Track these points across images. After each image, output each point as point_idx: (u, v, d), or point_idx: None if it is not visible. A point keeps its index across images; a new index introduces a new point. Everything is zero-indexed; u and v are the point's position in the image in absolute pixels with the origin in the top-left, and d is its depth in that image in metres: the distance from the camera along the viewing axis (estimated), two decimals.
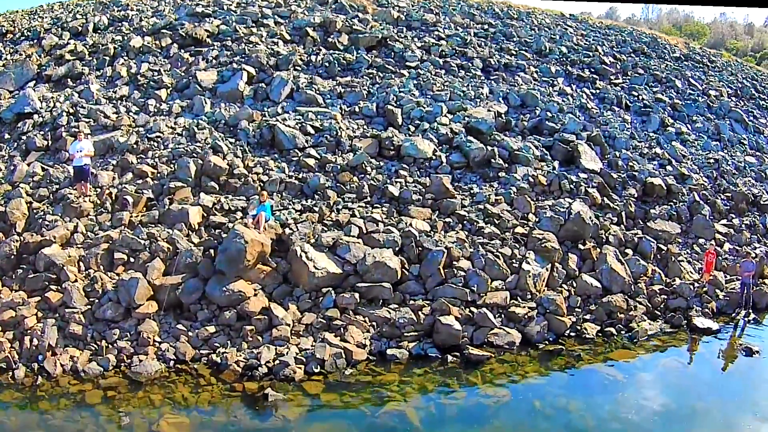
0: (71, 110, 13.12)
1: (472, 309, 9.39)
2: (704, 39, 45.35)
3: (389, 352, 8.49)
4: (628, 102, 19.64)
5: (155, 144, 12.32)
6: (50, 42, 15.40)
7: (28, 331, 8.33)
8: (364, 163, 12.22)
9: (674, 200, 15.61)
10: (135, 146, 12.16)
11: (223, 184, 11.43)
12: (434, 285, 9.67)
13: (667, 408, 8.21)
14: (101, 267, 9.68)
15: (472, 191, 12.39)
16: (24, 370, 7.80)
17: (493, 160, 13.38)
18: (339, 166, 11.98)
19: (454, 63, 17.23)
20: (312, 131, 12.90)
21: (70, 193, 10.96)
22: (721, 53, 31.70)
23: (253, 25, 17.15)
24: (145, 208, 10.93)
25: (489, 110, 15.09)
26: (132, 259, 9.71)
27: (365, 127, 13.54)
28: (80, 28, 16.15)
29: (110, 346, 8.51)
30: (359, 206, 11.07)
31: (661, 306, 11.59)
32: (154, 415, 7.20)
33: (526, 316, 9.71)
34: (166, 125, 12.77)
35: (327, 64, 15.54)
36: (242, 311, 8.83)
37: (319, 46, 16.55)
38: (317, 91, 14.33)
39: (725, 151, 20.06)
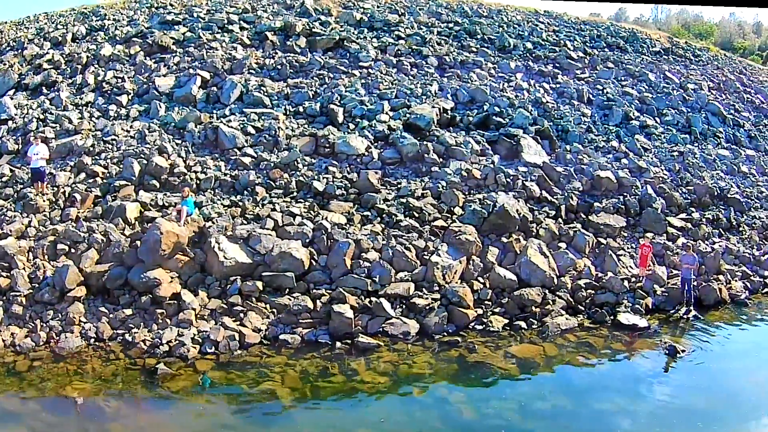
0: (41, 116, 14.47)
1: (372, 299, 9.95)
2: (712, 38, 44.31)
3: (282, 337, 9.17)
4: (590, 96, 19.57)
5: (110, 146, 13.46)
6: (31, 52, 16.88)
7: None
8: (297, 160, 12.97)
9: (626, 193, 15.49)
10: (91, 148, 13.33)
11: (164, 182, 12.43)
12: (339, 275, 10.31)
13: (553, 407, 7.99)
14: (46, 256, 10.84)
15: (400, 185, 12.93)
16: None
17: (426, 156, 13.84)
18: (272, 164, 12.78)
19: (408, 62, 17.69)
20: (253, 131, 13.75)
21: (30, 192, 12.25)
22: (708, 47, 30.70)
23: (219, 31, 18.15)
24: (92, 205, 12.09)
25: (433, 107, 15.51)
26: (73, 250, 10.84)
27: (306, 126, 14.28)
28: (60, 38, 17.57)
29: (44, 324, 9.63)
30: (283, 201, 11.84)
31: (587, 301, 11.38)
32: (66, 381, 8.25)
33: (427, 307, 9.99)
34: (122, 128, 13.92)
35: (279, 67, 16.36)
36: (156, 296, 9.80)
37: (277, 49, 17.38)
38: (265, 93, 15.17)
39: (695, 144, 19.75)
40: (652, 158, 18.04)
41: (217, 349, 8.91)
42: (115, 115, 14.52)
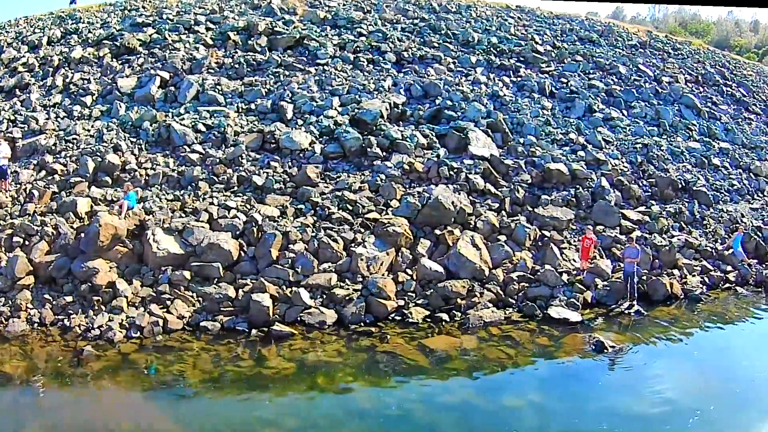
0: (12, 117, 15.43)
1: (293, 288, 10.52)
2: (708, 37, 43.73)
3: (203, 324, 9.83)
4: (553, 89, 19.65)
5: (70, 145, 14.31)
6: (8, 55, 17.85)
7: None
8: (242, 156, 13.61)
9: (578, 186, 15.56)
10: (53, 147, 14.20)
11: (116, 178, 13.23)
12: (265, 266, 10.94)
13: (459, 400, 7.96)
14: (3, 248, 11.78)
15: (339, 179, 13.45)
16: None
17: (369, 150, 14.30)
18: (217, 160, 13.45)
19: (365, 58, 18.10)
20: (203, 129, 14.43)
21: None
22: (689, 41, 30.25)
23: (185, 32, 18.84)
24: (49, 200, 12.96)
25: (383, 101, 15.93)
26: (27, 242, 11.73)
27: (255, 123, 14.89)
28: (36, 42, 18.50)
29: None
30: (223, 195, 12.51)
31: (519, 294, 11.38)
32: (6, 360, 9.06)
33: (346, 298, 10.37)
34: (83, 128, 14.75)
35: (237, 66, 16.97)
36: (94, 284, 10.59)
37: (238, 48, 17.98)
38: (220, 92, 15.82)
39: (663, 137, 19.67)
40: (613, 151, 18.07)
41: (141, 333, 9.67)
42: (79, 115, 15.36)
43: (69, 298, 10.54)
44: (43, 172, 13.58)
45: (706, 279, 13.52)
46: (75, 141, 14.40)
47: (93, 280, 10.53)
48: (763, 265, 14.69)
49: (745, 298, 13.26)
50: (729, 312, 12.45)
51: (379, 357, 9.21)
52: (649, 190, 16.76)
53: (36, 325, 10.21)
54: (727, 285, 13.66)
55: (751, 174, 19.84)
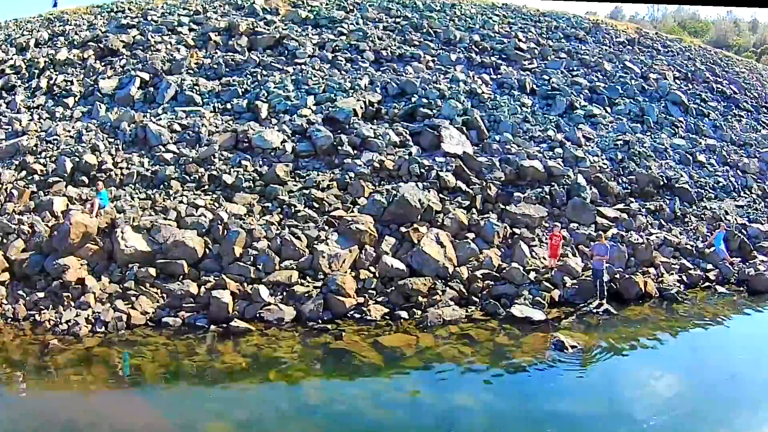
0: None
1: (255, 285, 10.78)
2: (707, 36, 43.35)
3: (165, 319, 10.14)
4: (534, 86, 19.66)
5: (51, 146, 14.74)
6: None
7: None
8: (214, 155, 13.92)
9: (554, 183, 15.57)
10: (34, 148, 14.64)
11: (92, 178, 13.63)
12: (228, 263, 11.25)
13: (408, 398, 7.99)
14: None
15: (308, 177, 13.69)
16: None
17: (341, 148, 14.51)
18: (190, 159, 13.78)
19: (343, 57, 18.29)
20: (179, 129, 14.76)
21: None
22: (681, 38, 29.95)
23: (168, 33, 19.17)
24: (28, 200, 13.40)
25: (358, 100, 16.12)
26: (5, 240, 12.19)
27: (230, 122, 15.19)
28: (24, 44, 18.97)
29: None
30: (193, 194, 12.84)
31: (483, 292, 11.29)
32: None
33: (305, 295, 10.47)
34: (64, 129, 15.17)
35: (216, 66, 17.28)
36: (65, 281, 10.99)
37: (218, 49, 18.28)
38: (197, 92, 16.14)
39: (647, 134, 19.58)
40: (593, 148, 18.05)
41: (106, 328, 10.04)
42: (61, 116, 15.79)
43: (41, 294, 10.95)
44: (24, 172, 14.02)
45: (684, 278, 13.30)
46: (55, 142, 14.83)
47: (64, 277, 10.93)
48: (746, 264, 14.29)
49: (724, 297, 12.95)
50: (705, 312, 12.13)
51: (333, 354, 9.35)
52: (629, 188, 16.67)
53: (9, 320, 10.65)
54: (707, 284, 13.36)
55: (738, 171, 19.67)
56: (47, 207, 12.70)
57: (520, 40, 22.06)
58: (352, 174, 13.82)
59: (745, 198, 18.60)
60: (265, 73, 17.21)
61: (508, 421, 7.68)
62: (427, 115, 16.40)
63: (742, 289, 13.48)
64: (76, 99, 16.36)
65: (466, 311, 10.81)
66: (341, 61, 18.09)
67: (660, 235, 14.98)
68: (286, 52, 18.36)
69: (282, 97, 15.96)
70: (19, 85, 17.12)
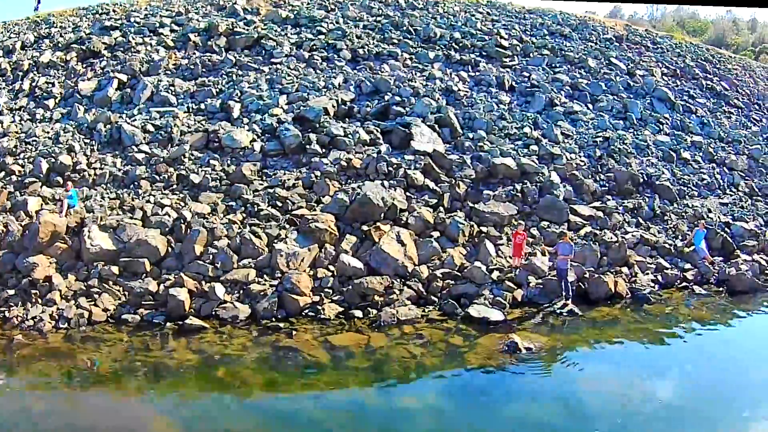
0: None
1: (212, 284, 11.01)
2: (706, 35, 42.80)
3: (124, 316, 10.48)
4: (513, 83, 19.60)
5: (29, 147, 15.17)
6: None
7: None
8: (184, 155, 14.23)
9: (527, 181, 15.57)
10: (14, 149, 15.09)
11: (67, 178, 14.03)
12: (188, 261, 11.55)
13: (350, 398, 8.03)
14: None
15: (275, 176, 13.93)
16: None
17: (309, 147, 14.70)
18: (161, 159, 14.10)
19: (320, 56, 18.44)
20: (152, 129, 15.09)
21: None
22: (671, 35, 29.51)
23: (150, 34, 19.49)
24: (5, 200, 13.87)
25: (330, 98, 16.29)
26: None
27: (203, 122, 15.47)
28: (11, 47, 19.46)
29: None
30: (161, 193, 13.17)
31: (443, 291, 11.23)
32: None
33: (261, 293, 10.63)
34: (42, 130, 15.60)
35: (193, 67, 17.56)
36: (33, 279, 11.41)
37: (197, 49, 18.55)
38: (173, 93, 16.45)
39: (629, 130, 19.39)
40: (571, 145, 17.93)
41: (68, 324, 10.44)
42: (41, 118, 16.23)
43: (12, 292, 11.36)
44: (3, 173, 14.49)
45: (660, 277, 13.10)
46: (34, 143, 15.26)
47: (32, 275, 11.34)
48: (728, 263, 13.98)
49: (702, 298, 12.60)
50: (678, 313, 11.82)
51: (281, 352, 9.46)
52: (607, 185, 16.53)
53: None
54: (684, 284, 13.10)
55: (725, 168, 19.46)
56: (22, 207, 13.12)
57: (502, 38, 21.98)
58: (318, 173, 14.01)
59: (731, 196, 18.35)
60: (240, 73, 17.46)
61: (450, 424, 7.63)
62: (399, 113, 16.50)
63: (721, 289, 13.20)
64: (57, 101, 16.79)
65: (423, 311, 10.78)
66: (317, 60, 18.26)
67: (636, 234, 14.78)
68: (264, 51, 18.57)
69: (255, 97, 16.19)
70: (3, 87, 17.59)
